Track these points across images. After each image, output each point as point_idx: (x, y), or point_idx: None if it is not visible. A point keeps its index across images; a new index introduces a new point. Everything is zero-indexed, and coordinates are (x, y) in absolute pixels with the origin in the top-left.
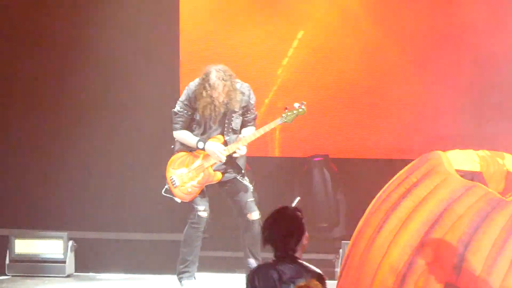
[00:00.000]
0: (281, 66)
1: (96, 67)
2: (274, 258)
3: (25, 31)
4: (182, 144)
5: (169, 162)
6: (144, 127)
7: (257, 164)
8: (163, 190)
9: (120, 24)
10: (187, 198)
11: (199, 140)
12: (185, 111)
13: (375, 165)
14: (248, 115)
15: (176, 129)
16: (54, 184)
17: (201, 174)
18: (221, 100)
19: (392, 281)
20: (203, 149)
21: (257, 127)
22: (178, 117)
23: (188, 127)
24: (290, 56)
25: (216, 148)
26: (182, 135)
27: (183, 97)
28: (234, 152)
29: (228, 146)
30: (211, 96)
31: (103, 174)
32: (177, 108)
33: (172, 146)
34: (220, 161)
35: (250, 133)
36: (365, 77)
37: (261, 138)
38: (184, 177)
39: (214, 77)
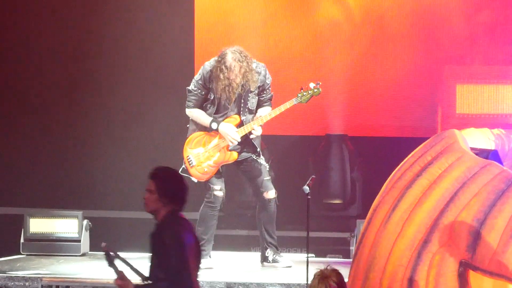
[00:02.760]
0: (297, 44)
1: (111, 46)
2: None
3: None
4: (197, 124)
5: (186, 142)
6: (159, 106)
7: (272, 142)
8: (180, 170)
9: (136, 3)
10: (204, 178)
11: (212, 121)
12: (199, 90)
13: (390, 143)
14: (264, 94)
15: (189, 107)
16: (69, 163)
17: (217, 154)
18: (238, 82)
19: (407, 259)
20: (216, 130)
21: (273, 107)
22: (191, 95)
23: (201, 106)
24: (307, 34)
25: (229, 130)
26: (196, 114)
27: (198, 76)
28: (250, 133)
29: (241, 127)
30: (228, 78)
31: (118, 153)
32: (192, 86)
33: (188, 125)
34: (232, 143)
35: (265, 113)
36: (384, 55)
37: (277, 116)
38: (201, 156)
39: (230, 59)
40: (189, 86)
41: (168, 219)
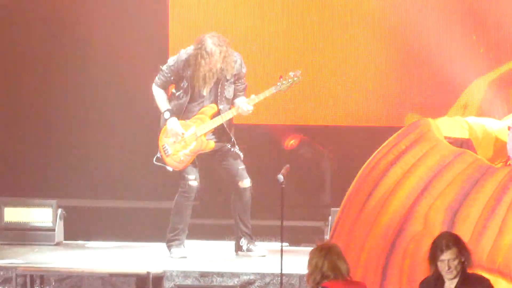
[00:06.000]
0: (270, 34)
1: (85, 34)
2: None
3: None
4: (174, 112)
5: (161, 131)
6: (135, 95)
7: (245, 132)
8: (154, 159)
9: None
10: (180, 167)
11: (166, 110)
12: (169, 75)
13: (364, 132)
14: (239, 84)
15: (156, 84)
16: (43, 152)
17: (194, 143)
18: (218, 67)
19: (382, 248)
20: (165, 120)
21: (249, 97)
22: (161, 75)
23: (166, 88)
24: (276, 23)
25: (176, 129)
26: (158, 93)
27: (171, 61)
28: (231, 121)
29: (217, 116)
30: (209, 64)
31: (93, 142)
32: (164, 68)
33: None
34: (176, 139)
35: (244, 101)
36: (353, 44)
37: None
38: (177, 145)
39: (210, 44)
40: (162, 65)
41: None
